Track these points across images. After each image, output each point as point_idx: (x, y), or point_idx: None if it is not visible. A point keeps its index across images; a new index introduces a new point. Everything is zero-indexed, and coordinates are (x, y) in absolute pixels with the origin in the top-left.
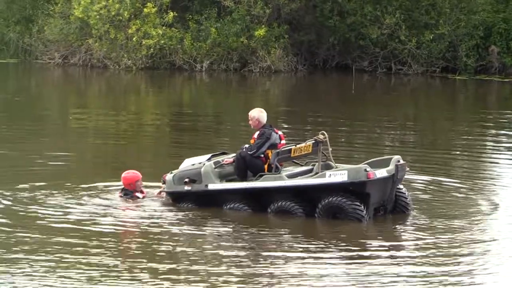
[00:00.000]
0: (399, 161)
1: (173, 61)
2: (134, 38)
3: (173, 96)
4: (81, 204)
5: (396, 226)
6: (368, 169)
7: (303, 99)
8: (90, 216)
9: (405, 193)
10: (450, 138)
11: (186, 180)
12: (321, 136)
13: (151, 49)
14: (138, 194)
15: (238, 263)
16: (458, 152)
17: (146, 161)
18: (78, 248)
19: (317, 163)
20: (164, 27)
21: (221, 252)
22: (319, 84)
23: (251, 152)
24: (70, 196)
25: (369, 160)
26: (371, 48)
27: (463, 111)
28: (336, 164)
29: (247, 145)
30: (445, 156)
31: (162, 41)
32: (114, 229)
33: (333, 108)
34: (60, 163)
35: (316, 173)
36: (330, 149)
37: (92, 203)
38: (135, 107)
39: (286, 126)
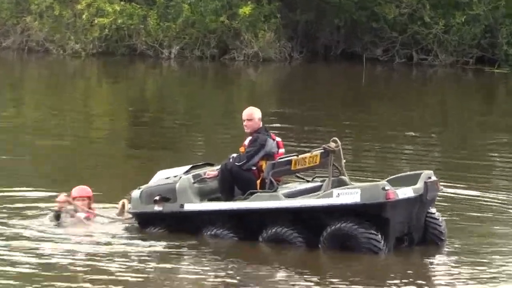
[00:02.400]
0: (429, 178)
1: (133, 45)
2: (84, 16)
3: (133, 90)
4: (8, 229)
5: (425, 260)
6: (387, 188)
7: (300, 95)
8: (24, 249)
9: (438, 219)
10: (486, 147)
11: (157, 198)
12: (332, 144)
13: (106, 30)
14: (80, 214)
15: None
16: (497, 163)
17: (95, 175)
18: None
19: (327, 179)
20: (122, 2)
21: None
22: (319, 76)
23: (240, 164)
24: None
25: (392, 176)
26: (387, 32)
27: (502, 112)
28: (351, 181)
29: (235, 154)
30: (481, 168)
31: (120, 20)
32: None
33: (337, 107)
34: None
35: (325, 191)
36: (344, 161)
37: (25, 228)
38: (84, 103)
39: (277, 131)
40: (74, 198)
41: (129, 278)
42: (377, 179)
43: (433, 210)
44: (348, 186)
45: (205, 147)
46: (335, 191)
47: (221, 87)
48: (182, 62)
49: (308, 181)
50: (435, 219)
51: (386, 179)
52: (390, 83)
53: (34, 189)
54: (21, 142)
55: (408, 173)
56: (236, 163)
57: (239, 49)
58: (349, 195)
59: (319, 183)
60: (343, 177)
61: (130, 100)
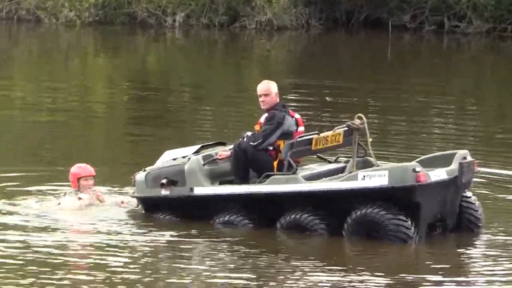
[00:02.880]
0: (465, 158)
1: (133, 12)
2: None
3: (133, 62)
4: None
5: (460, 250)
6: (418, 169)
7: (318, 67)
8: (22, 234)
9: (474, 203)
10: None
11: (164, 181)
12: (357, 121)
13: None
14: (82, 195)
15: None
16: None
17: (94, 156)
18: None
19: (351, 160)
20: None
21: (210, 282)
22: (340, 46)
23: (255, 143)
24: None
25: (423, 157)
26: None
27: None
28: (378, 162)
29: (249, 133)
30: None
31: None
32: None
33: (361, 80)
34: None
35: (349, 173)
36: (370, 139)
37: (21, 213)
38: (80, 78)
39: (293, 107)
40: (79, 178)
41: (134, 269)
42: (406, 160)
43: (468, 193)
44: (374, 168)
45: (213, 125)
46: (361, 173)
47: (231, 58)
48: (187, 31)
49: (330, 162)
50: (471, 203)
51: (416, 160)
52: (418, 53)
53: (27, 168)
54: (12, 118)
55: (441, 153)
56: (251, 143)
57: (250, 16)
58: (376, 177)
59: (342, 164)
60: (369, 157)
61: (131, 74)
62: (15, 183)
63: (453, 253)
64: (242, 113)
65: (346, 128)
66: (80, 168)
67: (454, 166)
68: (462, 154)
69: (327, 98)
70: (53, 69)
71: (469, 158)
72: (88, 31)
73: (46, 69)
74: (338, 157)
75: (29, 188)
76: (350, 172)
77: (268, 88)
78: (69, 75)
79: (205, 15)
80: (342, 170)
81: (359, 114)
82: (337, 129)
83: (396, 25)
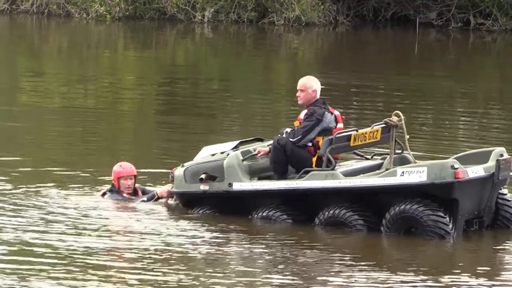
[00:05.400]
0: (501, 155)
1: (163, 8)
2: None
3: (163, 57)
4: (40, 209)
5: (497, 246)
6: (456, 166)
7: (346, 63)
8: (64, 227)
9: (510, 200)
10: None
11: (202, 176)
12: (394, 118)
13: None
14: (125, 196)
15: None
16: None
17: (124, 150)
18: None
19: (387, 157)
20: None
21: (251, 280)
22: (367, 43)
23: (294, 140)
24: (25, 201)
25: (461, 154)
26: None
27: None
28: (415, 159)
29: (288, 129)
30: None
31: None
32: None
33: (388, 77)
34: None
35: (387, 169)
36: (407, 136)
37: (58, 206)
38: (110, 72)
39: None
40: (119, 177)
41: (173, 266)
42: (442, 157)
43: (504, 191)
44: (413, 164)
45: (241, 115)
46: (399, 169)
47: (259, 53)
48: (216, 27)
49: (367, 159)
50: (507, 200)
51: (453, 157)
52: (444, 50)
53: (65, 163)
54: (44, 112)
55: (478, 150)
56: (291, 139)
57: (279, 12)
58: (414, 174)
59: (379, 161)
60: (405, 154)
61: (161, 70)
62: (55, 174)
63: (489, 249)
64: (269, 106)
65: (384, 125)
66: (121, 167)
67: (491, 163)
68: (499, 151)
69: (354, 94)
70: (82, 65)
71: (505, 155)
72: (118, 26)
73: (75, 66)
74: (375, 154)
75: (71, 180)
76: (387, 169)
77: (304, 84)
78: (98, 71)
79: (234, 11)
80: (379, 167)
81: (396, 111)
82: (375, 125)
83: (423, 22)
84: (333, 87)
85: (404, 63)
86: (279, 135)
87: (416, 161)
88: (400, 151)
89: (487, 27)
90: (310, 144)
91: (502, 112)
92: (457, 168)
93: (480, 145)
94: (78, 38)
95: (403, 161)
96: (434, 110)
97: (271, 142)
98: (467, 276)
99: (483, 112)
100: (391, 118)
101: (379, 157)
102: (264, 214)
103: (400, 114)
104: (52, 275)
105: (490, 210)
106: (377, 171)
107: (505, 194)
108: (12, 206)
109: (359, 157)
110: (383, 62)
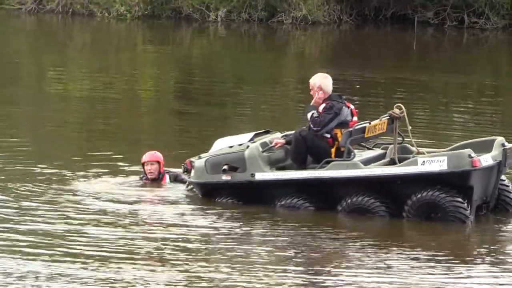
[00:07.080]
0: (504, 144)
1: (179, 8)
2: None
3: (178, 54)
4: (71, 196)
5: (504, 229)
6: (472, 155)
7: (349, 60)
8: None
9: (508, 186)
10: None
11: (225, 167)
12: (397, 111)
13: None
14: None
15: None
16: None
17: (143, 142)
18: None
19: (390, 146)
20: None
21: (276, 267)
22: (369, 40)
23: (315, 128)
24: (56, 188)
25: (463, 142)
26: None
27: None
28: (419, 148)
29: (315, 113)
30: None
31: None
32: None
33: (388, 72)
34: (30, 143)
35: (391, 158)
36: (410, 127)
37: (87, 195)
38: (130, 68)
39: None
40: (143, 163)
41: (195, 254)
42: (442, 146)
43: (503, 177)
44: (433, 154)
45: (252, 107)
46: (420, 159)
47: (269, 50)
48: (228, 25)
49: (369, 149)
50: (506, 186)
51: (453, 146)
52: (440, 47)
53: (86, 149)
54: (68, 104)
55: (480, 139)
56: (312, 126)
57: (287, 12)
58: (435, 163)
59: (382, 151)
60: (406, 144)
61: (176, 66)
62: (76, 172)
63: (495, 229)
64: (278, 98)
65: (388, 117)
66: (144, 154)
67: (497, 151)
68: (500, 140)
69: (357, 87)
70: (104, 61)
71: (507, 145)
72: (137, 24)
73: (98, 62)
74: (376, 144)
75: (93, 168)
76: (391, 158)
77: (311, 83)
78: (118, 67)
79: (245, 11)
80: (382, 156)
81: (398, 104)
82: (383, 117)
83: (421, 21)
84: (337, 81)
85: (401, 59)
86: (300, 128)
87: (418, 149)
88: (400, 141)
89: (480, 26)
90: (328, 135)
91: (494, 102)
92: (473, 157)
93: (474, 134)
94: (100, 35)
95: (405, 151)
96: (430, 102)
97: (279, 134)
98: (487, 260)
99: (476, 103)
100: (394, 111)
101: (379, 148)
102: (288, 202)
103: (402, 106)
104: (68, 264)
105: (494, 195)
106: (383, 160)
107: (504, 180)
108: (34, 193)
109: (361, 147)
110: (382, 58)
